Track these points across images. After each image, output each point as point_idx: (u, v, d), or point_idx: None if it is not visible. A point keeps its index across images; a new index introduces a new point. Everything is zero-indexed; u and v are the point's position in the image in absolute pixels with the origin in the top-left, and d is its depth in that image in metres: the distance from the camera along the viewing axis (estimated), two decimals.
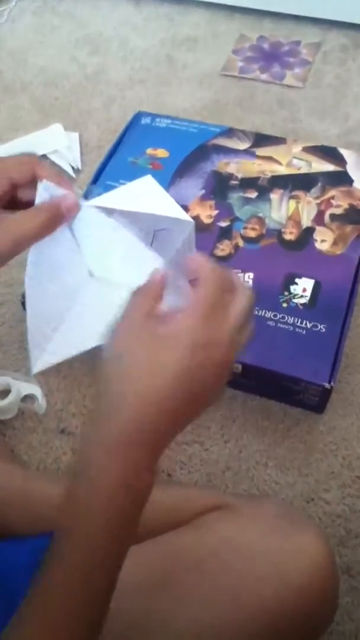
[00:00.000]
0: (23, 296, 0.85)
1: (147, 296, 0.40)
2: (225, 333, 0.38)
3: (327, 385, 0.74)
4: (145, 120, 1.05)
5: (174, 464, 0.78)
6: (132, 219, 0.82)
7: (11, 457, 0.77)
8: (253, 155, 0.98)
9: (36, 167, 0.45)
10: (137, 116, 1.06)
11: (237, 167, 0.96)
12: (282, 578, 0.52)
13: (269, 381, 0.78)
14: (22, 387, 0.83)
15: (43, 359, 0.49)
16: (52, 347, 0.50)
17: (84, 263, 0.51)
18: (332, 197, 0.91)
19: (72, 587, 0.37)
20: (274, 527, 0.56)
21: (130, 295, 0.40)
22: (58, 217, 0.44)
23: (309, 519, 0.59)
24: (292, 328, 0.78)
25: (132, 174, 0.94)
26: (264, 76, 1.25)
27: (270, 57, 1.29)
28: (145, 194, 0.79)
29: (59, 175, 0.47)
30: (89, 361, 0.88)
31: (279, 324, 0.79)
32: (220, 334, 0.38)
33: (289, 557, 0.53)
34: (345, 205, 0.90)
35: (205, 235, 0.88)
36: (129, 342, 0.39)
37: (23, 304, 0.86)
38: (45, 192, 0.45)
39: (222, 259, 0.86)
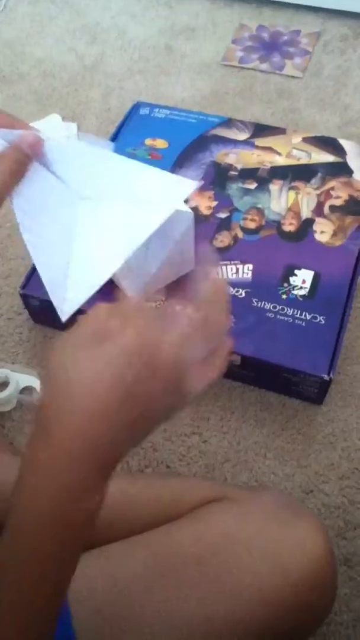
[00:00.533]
0: (22, 287, 0.85)
1: (96, 314, 0.36)
2: (165, 344, 0.35)
3: (326, 377, 0.74)
4: (144, 111, 1.04)
5: (173, 456, 0.78)
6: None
7: (11, 450, 0.77)
8: (252, 145, 0.97)
9: None
10: (136, 106, 1.05)
11: (236, 158, 0.96)
12: (280, 570, 0.52)
13: (268, 373, 0.78)
14: (21, 379, 0.82)
15: (67, 307, 0.48)
16: (71, 293, 0.48)
17: (70, 192, 0.49)
18: (332, 188, 0.90)
19: (16, 604, 0.35)
20: (272, 519, 0.56)
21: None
22: (24, 159, 0.43)
23: (308, 511, 0.59)
24: (291, 320, 0.78)
25: None
26: (263, 66, 1.24)
27: (270, 46, 1.28)
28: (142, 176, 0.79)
29: (9, 116, 0.45)
30: None
31: (278, 316, 0.78)
32: (159, 345, 0.35)
33: (288, 549, 0.53)
34: (345, 197, 0.89)
35: (205, 226, 0.87)
36: (65, 359, 0.35)
37: (22, 296, 0.86)
38: (1, 139, 0.45)
39: (221, 250, 0.85)
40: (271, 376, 0.79)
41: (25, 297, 0.86)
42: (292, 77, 1.22)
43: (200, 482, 0.68)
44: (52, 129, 1.20)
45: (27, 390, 0.83)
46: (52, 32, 1.35)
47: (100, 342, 0.35)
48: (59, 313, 0.48)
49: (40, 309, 0.86)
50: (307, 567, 0.53)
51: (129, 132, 1.01)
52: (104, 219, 0.49)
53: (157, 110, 1.04)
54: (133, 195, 0.49)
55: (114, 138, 1.00)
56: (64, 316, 0.47)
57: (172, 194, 0.53)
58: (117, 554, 0.54)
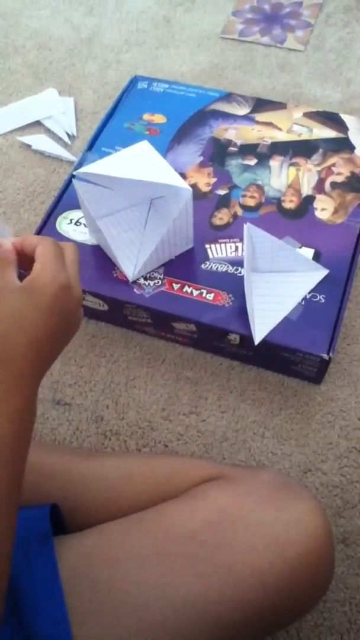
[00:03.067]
0: None
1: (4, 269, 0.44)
2: (69, 270, 0.46)
3: (325, 356, 0.73)
4: (142, 85, 1.02)
5: (171, 435, 0.78)
6: (129, 185, 0.80)
7: None
8: (252, 120, 0.95)
9: None
10: (134, 80, 1.03)
11: (236, 133, 0.94)
12: (278, 548, 0.52)
13: (267, 352, 0.78)
14: None
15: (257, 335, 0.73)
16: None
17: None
18: (333, 164, 0.89)
19: None
20: (270, 498, 0.56)
21: None
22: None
23: (306, 489, 0.58)
24: None
25: (129, 140, 0.92)
26: (264, 39, 1.21)
27: (271, 18, 1.25)
28: (141, 161, 0.78)
29: None
30: (85, 334, 0.87)
31: None
32: (67, 270, 0.46)
33: (285, 528, 0.53)
34: (347, 173, 0.88)
35: (204, 203, 0.86)
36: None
37: None
38: None
39: (220, 228, 0.84)
40: (270, 355, 0.78)
41: None
42: (294, 50, 1.19)
43: (198, 460, 0.68)
44: (49, 104, 1.19)
45: None
46: (48, 3, 1.32)
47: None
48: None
49: None
50: (305, 545, 0.52)
51: (127, 107, 0.99)
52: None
53: (155, 84, 1.02)
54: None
55: (111, 112, 0.98)
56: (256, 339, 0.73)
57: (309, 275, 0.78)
58: (113, 531, 0.54)
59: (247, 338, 0.76)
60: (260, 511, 0.54)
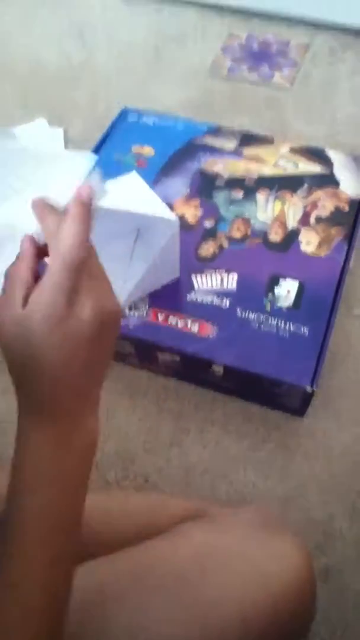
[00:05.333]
0: None
1: (14, 285, 0.39)
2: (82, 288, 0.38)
3: (309, 389, 0.73)
4: (132, 117, 1.03)
5: (152, 468, 0.77)
6: (116, 216, 0.80)
7: None
8: (240, 154, 0.96)
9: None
10: (124, 112, 1.04)
11: (223, 167, 0.95)
12: (260, 584, 0.51)
13: (250, 383, 0.77)
14: None
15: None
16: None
17: None
18: (318, 199, 0.90)
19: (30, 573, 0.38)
20: (252, 535, 0.55)
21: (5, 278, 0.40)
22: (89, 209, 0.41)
23: (287, 527, 0.58)
24: (275, 330, 0.77)
25: (118, 171, 0.93)
26: (252, 75, 1.24)
27: (259, 56, 1.28)
28: (130, 191, 0.78)
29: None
30: None
31: (262, 326, 0.78)
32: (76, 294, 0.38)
33: (268, 564, 0.52)
34: (331, 208, 0.89)
35: (190, 234, 0.86)
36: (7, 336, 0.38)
37: None
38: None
39: (206, 259, 0.84)
40: (254, 387, 0.78)
41: None
42: (281, 87, 1.22)
43: (178, 499, 0.67)
44: (39, 134, 1.19)
45: None
46: (41, 31, 1.34)
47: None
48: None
49: None
50: (287, 580, 0.52)
51: (116, 138, 1.00)
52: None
53: (145, 116, 1.03)
54: None
55: (101, 144, 0.99)
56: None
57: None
58: (92, 570, 0.52)
59: (231, 370, 0.76)
60: (242, 548, 0.54)
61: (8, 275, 0.40)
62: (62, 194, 0.44)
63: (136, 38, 1.33)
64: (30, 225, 0.43)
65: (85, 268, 0.38)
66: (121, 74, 1.25)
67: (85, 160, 0.53)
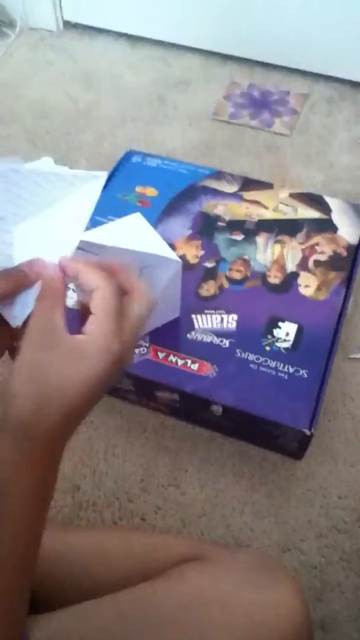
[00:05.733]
0: None
1: (52, 303, 0.39)
2: (126, 337, 0.39)
3: (307, 432, 0.73)
4: (136, 159, 1.06)
5: (149, 508, 0.76)
6: (119, 254, 0.81)
7: None
8: (240, 198, 0.99)
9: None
10: (128, 154, 1.07)
11: (224, 209, 0.97)
12: (255, 631, 0.50)
13: (249, 424, 0.78)
14: None
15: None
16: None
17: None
18: (317, 244, 0.92)
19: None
20: (248, 579, 0.55)
21: (36, 302, 0.40)
22: (19, 279, 0.42)
23: (284, 572, 0.57)
24: (274, 372, 0.78)
25: (121, 210, 0.95)
26: (253, 122, 1.28)
27: (260, 104, 1.32)
28: (133, 231, 0.80)
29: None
30: None
31: (261, 367, 0.78)
32: (123, 338, 0.39)
33: (264, 610, 0.52)
34: (329, 252, 0.91)
35: (191, 274, 0.88)
36: (39, 356, 0.38)
37: None
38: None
39: (206, 299, 0.86)
40: (252, 428, 0.78)
41: None
42: (280, 134, 1.26)
43: (176, 539, 0.66)
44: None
45: None
46: (49, 77, 1.39)
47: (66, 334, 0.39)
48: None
49: None
50: (283, 628, 0.51)
51: (121, 179, 1.02)
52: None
53: (148, 159, 1.06)
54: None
55: (105, 183, 1.01)
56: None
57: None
58: (87, 612, 0.52)
59: (230, 410, 0.76)
60: (238, 593, 0.53)
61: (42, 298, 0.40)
62: (76, 214, 0.45)
63: (141, 82, 1.37)
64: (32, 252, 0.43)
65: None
66: (126, 117, 1.29)
67: (98, 179, 0.54)
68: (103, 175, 0.52)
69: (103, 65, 1.42)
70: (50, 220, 0.45)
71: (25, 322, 0.41)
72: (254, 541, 0.74)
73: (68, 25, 1.53)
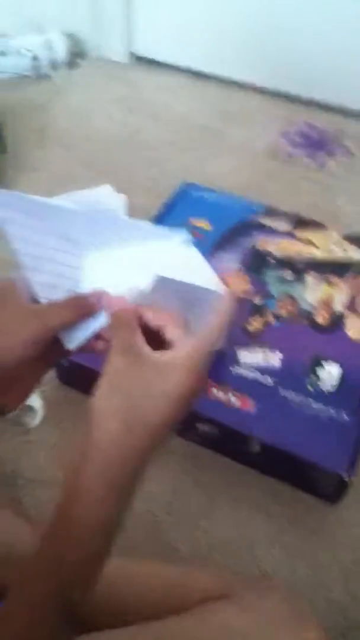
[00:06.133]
0: None
1: (129, 328, 0.41)
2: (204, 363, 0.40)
3: (344, 476, 0.73)
4: (192, 191, 1.09)
5: (179, 538, 0.77)
6: (172, 285, 0.83)
7: (19, 512, 0.76)
8: (292, 236, 1.00)
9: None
10: (184, 186, 1.10)
11: (275, 246, 0.99)
12: None
13: (286, 463, 0.78)
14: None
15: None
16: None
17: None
18: None
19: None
20: (276, 620, 0.54)
21: (112, 330, 0.42)
22: (86, 307, 0.44)
23: (311, 617, 0.56)
24: (315, 413, 0.78)
25: None
26: (308, 161, 1.30)
27: (316, 144, 1.34)
28: (187, 262, 0.82)
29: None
30: None
31: (302, 407, 0.78)
32: (204, 363, 0.40)
33: None
34: None
35: (238, 309, 0.89)
36: (124, 373, 0.39)
37: None
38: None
39: (253, 334, 0.87)
40: (289, 467, 0.78)
41: None
42: (335, 174, 1.27)
43: (206, 572, 0.66)
44: (103, 198, 1.25)
45: (27, 407, 0.86)
46: (115, 107, 1.44)
47: (152, 352, 0.40)
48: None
49: (68, 371, 0.87)
50: None
51: (175, 210, 1.05)
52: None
53: (204, 191, 1.09)
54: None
55: (161, 213, 1.05)
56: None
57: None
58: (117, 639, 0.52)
59: (268, 447, 0.76)
60: (266, 633, 0.53)
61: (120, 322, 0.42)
62: (151, 262, 0.47)
63: (201, 116, 1.41)
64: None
65: None
66: (184, 149, 1.33)
67: (182, 238, 0.57)
68: (187, 238, 0.55)
69: (166, 98, 1.47)
70: (125, 258, 0.47)
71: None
72: (283, 583, 0.73)
73: (136, 58, 1.59)
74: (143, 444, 0.38)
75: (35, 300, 0.44)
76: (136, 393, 0.38)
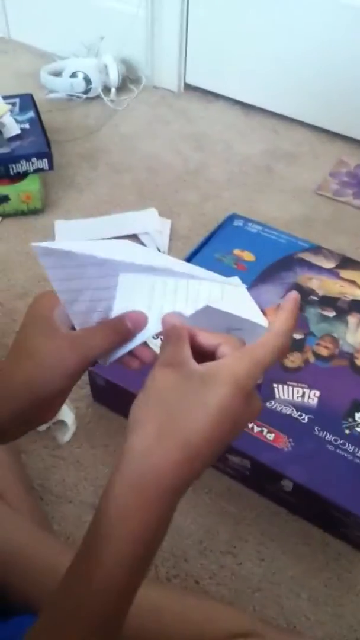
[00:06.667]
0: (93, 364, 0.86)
1: (179, 342, 0.40)
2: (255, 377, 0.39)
3: None
4: (238, 223, 1.09)
5: (204, 572, 0.75)
6: (211, 313, 0.83)
7: (45, 525, 0.76)
8: (336, 275, 1.00)
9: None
10: (231, 217, 1.11)
11: (319, 284, 0.98)
12: None
13: (317, 506, 0.76)
14: (64, 411, 0.87)
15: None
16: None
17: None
18: None
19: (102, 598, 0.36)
20: None
21: (162, 344, 0.41)
22: (123, 330, 0.43)
23: None
24: (351, 457, 0.76)
25: (217, 270, 0.97)
26: (356, 202, 1.29)
27: None
28: (232, 293, 0.82)
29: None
30: None
31: (338, 450, 0.77)
32: (254, 383, 0.38)
33: None
34: None
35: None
36: (165, 385, 0.38)
37: (90, 372, 0.88)
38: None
39: (290, 370, 0.86)
40: (320, 510, 0.76)
41: (92, 374, 0.88)
42: None
43: (232, 610, 0.65)
44: (148, 221, 1.27)
45: (59, 422, 0.87)
46: (164, 135, 1.47)
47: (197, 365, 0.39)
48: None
49: (103, 389, 0.88)
50: None
51: (220, 240, 1.06)
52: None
53: (250, 224, 1.09)
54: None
55: (205, 241, 1.05)
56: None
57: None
58: None
59: (300, 488, 0.75)
60: None
61: (173, 330, 0.41)
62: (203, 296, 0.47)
63: (250, 150, 1.42)
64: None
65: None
66: (232, 182, 1.34)
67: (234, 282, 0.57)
68: (238, 283, 0.55)
69: (216, 129, 1.49)
70: (166, 284, 0.47)
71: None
72: (307, 630, 0.71)
73: (188, 87, 1.62)
74: (174, 456, 0.36)
75: (72, 327, 0.43)
76: (175, 403, 0.37)
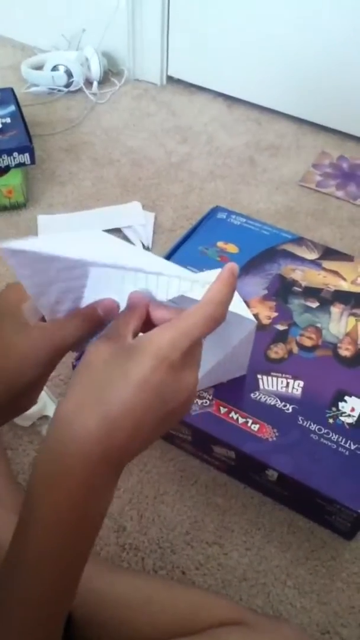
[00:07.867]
0: (77, 359, 0.86)
1: (126, 317, 0.40)
2: (195, 358, 0.38)
3: None
4: (221, 215, 1.09)
5: (190, 563, 0.76)
6: (191, 304, 0.83)
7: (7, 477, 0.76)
8: (319, 266, 1.00)
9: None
10: (214, 209, 1.10)
11: (302, 275, 0.99)
12: None
13: (302, 495, 0.76)
14: (48, 406, 0.88)
15: None
16: None
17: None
18: None
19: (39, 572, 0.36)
20: None
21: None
22: (94, 318, 0.43)
23: None
24: (335, 446, 0.77)
25: (200, 262, 0.97)
26: (339, 193, 1.30)
27: (348, 176, 1.34)
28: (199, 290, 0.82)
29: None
30: None
31: (322, 439, 0.77)
32: (191, 358, 0.37)
33: None
34: None
35: (262, 334, 0.89)
36: (97, 357, 0.38)
37: (74, 367, 0.88)
38: None
39: (274, 361, 0.86)
40: (305, 499, 0.77)
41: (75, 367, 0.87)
42: None
43: (220, 599, 0.65)
44: (132, 215, 1.27)
45: (44, 418, 0.88)
46: (147, 128, 1.46)
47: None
48: None
49: None
50: None
51: (204, 232, 1.06)
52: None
53: (233, 216, 1.09)
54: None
55: (189, 234, 1.05)
56: None
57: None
58: None
59: (285, 477, 0.75)
60: None
61: (129, 304, 0.41)
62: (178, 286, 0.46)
63: (234, 142, 1.42)
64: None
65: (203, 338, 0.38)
66: (215, 174, 1.34)
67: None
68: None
69: (199, 121, 1.49)
70: (138, 276, 0.46)
71: None
72: (294, 617, 0.72)
73: (171, 80, 1.62)
74: (91, 425, 0.35)
75: (43, 319, 0.43)
76: (101, 375, 0.36)
